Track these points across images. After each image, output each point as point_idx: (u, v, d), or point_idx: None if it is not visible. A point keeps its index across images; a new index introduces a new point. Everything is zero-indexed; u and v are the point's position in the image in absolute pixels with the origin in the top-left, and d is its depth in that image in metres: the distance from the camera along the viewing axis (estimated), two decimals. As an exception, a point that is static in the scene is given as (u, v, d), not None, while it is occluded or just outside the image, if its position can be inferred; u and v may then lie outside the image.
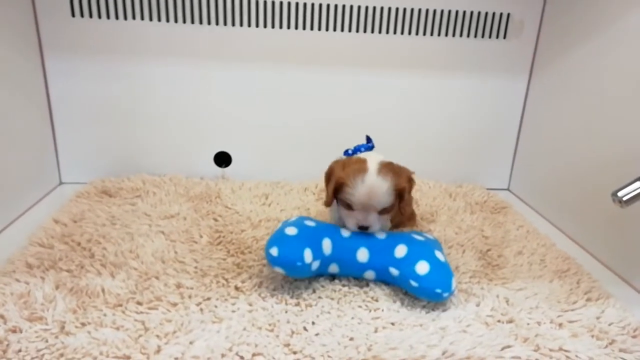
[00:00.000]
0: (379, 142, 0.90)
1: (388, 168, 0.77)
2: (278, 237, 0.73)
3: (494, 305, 0.73)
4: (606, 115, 0.93)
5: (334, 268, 0.77)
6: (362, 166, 0.76)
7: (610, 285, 0.82)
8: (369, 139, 0.90)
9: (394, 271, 0.74)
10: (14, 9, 0.96)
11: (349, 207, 0.78)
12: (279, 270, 0.71)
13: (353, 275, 0.78)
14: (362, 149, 0.87)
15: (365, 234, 0.77)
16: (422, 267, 0.71)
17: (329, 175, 0.81)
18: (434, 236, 0.85)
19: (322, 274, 0.78)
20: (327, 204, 0.81)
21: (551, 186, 1.10)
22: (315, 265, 0.73)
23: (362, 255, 0.75)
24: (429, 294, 0.71)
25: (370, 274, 0.77)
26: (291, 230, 0.74)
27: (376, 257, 0.75)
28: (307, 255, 0.71)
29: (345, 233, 0.78)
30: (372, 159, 0.78)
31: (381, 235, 0.78)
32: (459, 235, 0.97)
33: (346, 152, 0.88)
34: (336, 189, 0.78)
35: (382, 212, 0.78)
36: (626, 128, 0.87)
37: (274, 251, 0.71)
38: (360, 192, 0.75)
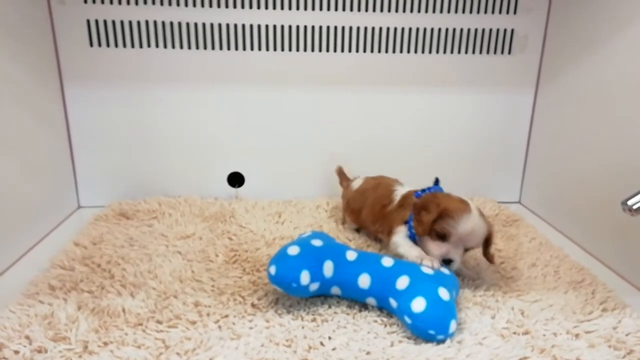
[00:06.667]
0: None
1: (482, 212, 0.81)
2: (279, 256, 0.74)
3: (509, 318, 0.73)
4: (614, 125, 0.94)
5: (336, 290, 0.76)
6: (466, 203, 0.80)
7: (625, 295, 0.81)
8: (437, 181, 0.91)
9: (393, 302, 0.71)
10: (36, 39, 1.01)
11: (442, 238, 0.80)
12: (277, 288, 0.73)
13: (355, 299, 0.77)
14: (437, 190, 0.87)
15: (370, 260, 0.76)
16: (418, 304, 0.67)
17: (422, 207, 0.82)
18: (451, 272, 0.78)
19: (325, 295, 0.78)
20: (423, 232, 0.80)
21: (562, 198, 1.11)
22: (314, 287, 0.73)
23: (364, 281, 0.74)
24: (422, 334, 0.67)
25: (371, 301, 0.75)
26: (293, 250, 0.74)
27: (377, 285, 0.73)
28: (304, 277, 0.71)
29: (351, 256, 0.76)
30: (468, 201, 0.82)
31: (387, 263, 0.75)
32: (471, 248, 0.97)
33: (418, 194, 0.87)
34: (438, 217, 0.79)
35: (466, 250, 0.82)
36: (634, 137, 0.88)
37: (272, 269, 0.72)
38: (466, 226, 0.78)
